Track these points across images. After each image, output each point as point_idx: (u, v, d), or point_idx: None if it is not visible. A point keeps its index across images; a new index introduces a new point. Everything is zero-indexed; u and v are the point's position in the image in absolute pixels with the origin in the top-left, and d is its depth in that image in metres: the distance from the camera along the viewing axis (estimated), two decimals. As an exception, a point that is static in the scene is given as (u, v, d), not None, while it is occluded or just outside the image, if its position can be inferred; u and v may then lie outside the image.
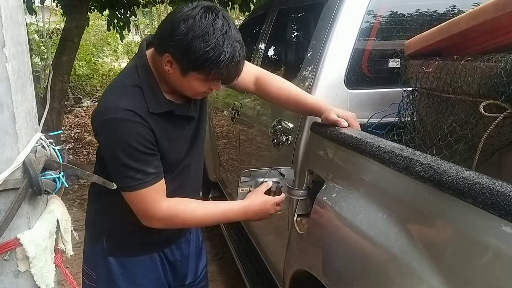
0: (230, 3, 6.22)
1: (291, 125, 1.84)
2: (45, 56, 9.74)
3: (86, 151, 6.89)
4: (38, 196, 1.07)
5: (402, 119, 1.61)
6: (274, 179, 1.63)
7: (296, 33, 2.44)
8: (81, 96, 10.84)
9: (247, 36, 3.29)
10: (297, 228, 1.62)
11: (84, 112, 9.91)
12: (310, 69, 1.84)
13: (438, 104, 1.41)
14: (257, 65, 2.59)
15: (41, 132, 1.13)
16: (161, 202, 1.36)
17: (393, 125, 1.61)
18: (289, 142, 1.82)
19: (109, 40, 13.32)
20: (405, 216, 1.07)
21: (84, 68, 11.35)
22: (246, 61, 1.64)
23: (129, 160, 1.29)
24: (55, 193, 1.10)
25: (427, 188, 0.99)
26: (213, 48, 1.21)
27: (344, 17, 1.78)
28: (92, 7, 6.48)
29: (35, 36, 10.31)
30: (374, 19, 1.80)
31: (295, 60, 2.26)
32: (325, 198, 1.45)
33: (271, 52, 2.68)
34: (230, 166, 3.09)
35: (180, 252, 1.67)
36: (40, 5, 6.31)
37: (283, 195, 1.54)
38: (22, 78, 1.05)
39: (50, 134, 1.13)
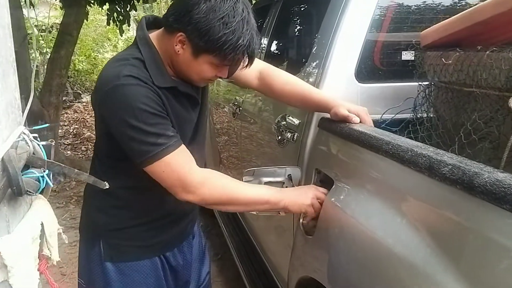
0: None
1: (296, 121, 1.73)
2: (44, 50, 9.63)
3: (85, 147, 6.79)
4: (20, 197, 0.96)
5: (418, 115, 1.50)
6: (279, 179, 1.53)
7: (302, 24, 2.32)
8: (80, 92, 10.75)
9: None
10: (303, 231, 1.51)
11: (84, 108, 9.81)
12: (317, 62, 1.73)
13: (458, 98, 1.30)
14: (260, 59, 2.49)
15: (25, 125, 1.02)
16: (194, 165, 1.27)
17: (408, 122, 1.50)
18: (294, 139, 1.71)
19: (109, 36, 13.22)
20: (429, 223, 0.96)
21: (83, 63, 11.25)
22: None
23: (145, 125, 1.18)
24: (38, 193, 1.00)
25: (454, 191, 0.88)
26: (233, 32, 1.16)
27: (354, 6, 1.67)
28: (92, 1, 6.37)
29: (34, 30, 10.19)
30: (387, 9, 1.69)
31: (301, 53, 2.15)
32: (334, 199, 1.34)
33: (275, 46, 2.56)
34: (230, 164, 2.98)
35: (183, 256, 1.58)
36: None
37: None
38: (3, 65, 0.95)
39: (34, 127, 1.02)
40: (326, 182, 1.46)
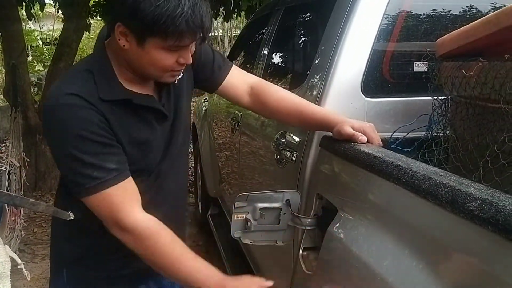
0: (236, 10, 6.03)
1: (296, 139, 1.56)
2: (48, 63, 9.59)
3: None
4: (-42, 233, 0.80)
5: (434, 134, 1.33)
6: (276, 205, 1.36)
7: (304, 34, 2.17)
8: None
9: (249, 41, 3.04)
10: (303, 266, 1.33)
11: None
12: (320, 74, 1.57)
13: (482, 116, 1.13)
14: (260, 71, 2.34)
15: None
16: (136, 207, 1.12)
17: (422, 142, 1.33)
18: (294, 159, 1.54)
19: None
20: (451, 270, 0.79)
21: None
22: (240, 69, 1.46)
23: (81, 153, 1.06)
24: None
25: (484, 233, 0.70)
26: (166, 1, 0.99)
27: (360, 13, 1.51)
28: (94, 13, 6.30)
29: (39, 42, 10.18)
30: (397, 16, 1.53)
31: (303, 64, 2.00)
32: (338, 230, 1.16)
33: (275, 57, 2.40)
34: (231, 180, 2.81)
35: (161, 285, 1.42)
36: (40, 12, 6.15)
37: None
38: None
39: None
40: (328, 210, 1.29)
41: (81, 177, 1.07)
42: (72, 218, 0.95)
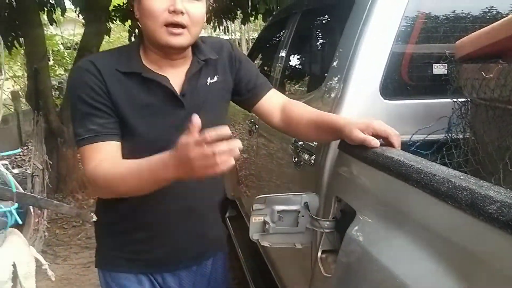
0: (253, 13, 6.04)
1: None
2: (69, 67, 9.73)
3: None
4: (-15, 234, 0.83)
5: (453, 137, 1.32)
6: (294, 207, 1.36)
7: (322, 36, 2.16)
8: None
9: (267, 43, 3.05)
10: (321, 268, 1.33)
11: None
12: (338, 76, 1.56)
13: (502, 118, 1.12)
14: (277, 73, 2.34)
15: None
16: (92, 162, 1.18)
17: (442, 144, 1.32)
18: (312, 161, 1.54)
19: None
20: (471, 274, 0.78)
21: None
22: (277, 91, 1.49)
23: (76, 111, 1.22)
24: (6, 230, 0.86)
25: (504, 236, 0.70)
26: None
27: (378, 15, 1.50)
28: (114, 17, 6.39)
29: (60, 47, 10.35)
30: (416, 18, 1.52)
31: (321, 67, 1.99)
32: (357, 233, 1.16)
33: (293, 60, 2.41)
34: (249, 182, 2.82)
35: (178, 282, 1.44)
36: (62, 17, 6.26)
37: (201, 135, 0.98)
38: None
39: (1, 154, 0.88)
40: (347, 213, 1.29)
41: (74, 130, 1.22)
42: (95, 220, 0.97)
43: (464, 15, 1.56)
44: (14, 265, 0.90)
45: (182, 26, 1.18)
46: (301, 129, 1.38)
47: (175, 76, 1.28)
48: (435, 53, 1.48)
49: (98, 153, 1.19)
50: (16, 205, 0.84)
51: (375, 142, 1.14)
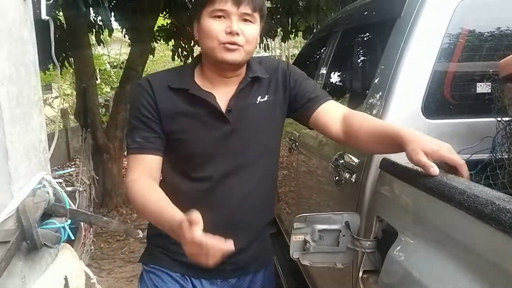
0: (293, 30, 6.08)
1: (356, 160, 1.56)
2: (115, 86, 10.06)
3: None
4: (41, 249, 0.87)
5: (498, 157, 1.29)
6: (335, 226, 1.36)
7: (363, 53, 2.17)
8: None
9: (308, 61, 3.07)
10: (362, 288, 1.32)
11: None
12: (379, 94, 1.56)
13: (549, 138, 1.09)
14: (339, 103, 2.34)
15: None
16: (131, 174, 1.29)
17: (486, 164, 1.29)
18: (353, 180, 1.54)
19: (176, 70, 13.63)
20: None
21: (151, 97, 11.60)
22: (338, 103, 1.46)
23: (129, 122, 1.36)
24: (59, 245, 0.90)
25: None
26: None
27: (421, 33, 1.50)
28: (159, 38, 6.59)
29: (107, 66, 10.73)
30: (459, 36, 1.50)
31: (362, 84, 1.99)
32: (399, 254, 1.15)
33: (334, 78, 2.42)
34: (289, 199, 2.83)
35: None
36: (109, 37, 6.51)
37: (202, 237, 1.02)
38: (25, 105, 0.87)
39: (57, 173, 0.94)
40: (388, 233, 1.28)
41: (126, 139, 1.37)
42: (140, 236, 1.01)
43: (508, 32, 1.53)
44: (65, 279, 0.94)
45: (237, 45, 1.26)
46: (360, 140, 1.32)
47: (225, 93, 1.34)
48: (478, 72, 1.46)
49: (139, 164, 1.31)
50: (69, 221, 0.89)
51: (434, 170, 1.05)
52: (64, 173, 0.98)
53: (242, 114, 1.35)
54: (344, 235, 1.36)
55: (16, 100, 0.84)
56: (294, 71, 1.45)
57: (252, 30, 1.29)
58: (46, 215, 0.88)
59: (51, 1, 0.92)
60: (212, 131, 1.33)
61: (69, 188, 0.95)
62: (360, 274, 1.36)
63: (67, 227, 0.88)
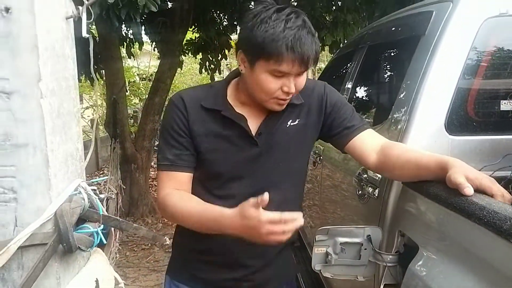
0: (320, 44, 6.11)
1: (379, 175, 1.58)
2: (144, 97, 10.24)
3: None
4: (75, 252, 0.93)
5: (521, 174, 1.29)
6: (357, 240, 1.38)
7: (388, 70, 2.19)
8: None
9: (334, 75, 3.10)
10: (383, 302, 1.33)
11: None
12: (403, 110, 1.59)
13: None
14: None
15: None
16: (165, 190, 1.32)
17: (509, 181, 1.30)
18: (375, 195, 1.56)
19: (203, 83, 13.84)
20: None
21: (178, 109, 11.77)
22: (376, 133, 1.44)
23: (160, 138, 1.38)
24: (92, 249, 0.96)
25: None
26: (272, 29, 1.16)
27: (445, 51, 1.52)
28: (187, 51, 6.71)
29: (136, 78, 10.95)
30: (483, 54, 1.52)
31: (386, 100, 2.01)
32: (420, 268, 1.17)
33: (359, 92, 2.44)
34: (312, 213, 2.84)
35: None
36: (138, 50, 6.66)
37: (275, 213, 1.06)
38: (64, 116, 0.94)
39: (92, 181, 1.00)
40: (410, 247, 1.29)
41: (157, 155, 1.37)
42: (168, 243, 1.05)
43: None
44: (96, 281, 0.99)
45: (289, 98, 1.28)
46: (396, 169, 1.30)
47: (257, 116, 1.35)
48: (502, 89, 1.47)
49: (170, 181, 1.32)
50: (102, 226, 0.95)
51: (469, 191, 1.04)
52: (98, 181, 1.04)
53: (271, 138, 1.36)
54: (365, 249, 1.37)
55: (57, 111, 0.90)
56: (331, 95, 1.43)
57: (304, 78, 1.26)
58: (81, 220, 0.93)
59: (92, 20, 0.99)
60: (241, 152, 1.35)
61: (102, 195, 1.01)
62: (381, 287, 1.38)
63: (100, 232, 0.94)
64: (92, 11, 0.97)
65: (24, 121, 0.84)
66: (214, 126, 1.33)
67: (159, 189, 1.34)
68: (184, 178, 1.34)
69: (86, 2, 0.96)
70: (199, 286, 1.45)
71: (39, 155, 0.85)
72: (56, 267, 0.89)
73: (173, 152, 1.32)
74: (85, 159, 1.03)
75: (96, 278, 0.99)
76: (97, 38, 5.14)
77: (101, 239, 0.94)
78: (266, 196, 1.03)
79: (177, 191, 1.31)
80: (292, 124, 1.37)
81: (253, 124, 1.34)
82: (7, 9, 0.82)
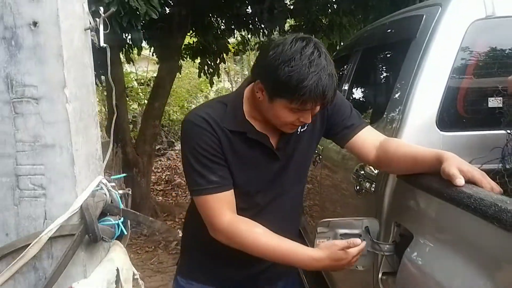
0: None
1: (375, 171, 1.67)
2: (142, 102, 10.30)
3: (175, 193, 7.06)
4: (98, 243, 1.01)
5: (507, 166, 1.38)
6: (356, 231, 1.46)
7: (381, 73, 2.29)
8: (173, 140, 11.29)
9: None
10: (382, 288, 1.42)
11: (176, 155, 10.25)
12: (398, 108, 1.68)
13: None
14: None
15: (104, 175, 1.09)
16: (223, 215, 1.32)
17: (496, 173, 1.39)
18: (373, 189, 1.65)
19: (202, 87, 13.91)
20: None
21: (177, 114, 11.87)
22: (375, 130, 1.53)
23: (194, 162, 1.32)
24: (114, 240, 1.04)
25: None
26: (297, 74, 1.18)
27: (435, 52, 1.61)
28: (185, 55, 6.79)
29: (134, 83, 11.03)
30: (470, 55, 1.61)
31: (381, 100, 2.11)
32: (415, 255, 1.25)
33: (355, 93, 2.54)
34: (314, 212, 2.93)
35: None
36: (137, 56, 6.73)
37: (361, 245, 1.31)
38: (85, 119, 1.02)
39: (112, 177, 1.08)
40: (405, 236, 1.38)
41: (190, 179, 1.35)
42: (180, 236, 1.14)
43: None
44: (117, 270, 1.08)
45: None
46: (393, 163, 1.40)
47: (274, 129, 1.39)
48: (489, 87, 1.56)
49: (221, 203, 1.33)
50: (122, 219, 1.03)
51: (460, 181, 1.11)
52: (118, 178, 1.13)
53: (287, 149, 1.43)
54: (364, 239, 1.46)
55: (80, 115, 0.99)
56: None
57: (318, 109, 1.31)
58: (102, 213, 1.02)
59: (108, 31, 1.08)
60: (266, 170, 1.42)
61: (120, 191, 1.09)
62: (380, 275, 1.46)
63: (120, 224, 1.02)
64: (108, 22, 1.06)
65: (51, 123, 0.93)
66: (239, 147, 1.36)
67: (214, 215, 1.32)
68: (231, 195, 1.36)
69: (103, 15, 1.05)
70: (216, 284, 1.52)
71: (65, 155, 0.94)
72: (82, 256, 0.98)
73: (217, 174, 1.33)
74: (103, 159, 1.12)
75: (117, 267, 1.07)
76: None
77: (122, 230, 1.02)
78: (357, 241, 1.28)
79: (240, 218, 1.34)
80: (301, 130, 1.43)
81: (273, 140, 1.41)
82: (35, 23, 0.91)
